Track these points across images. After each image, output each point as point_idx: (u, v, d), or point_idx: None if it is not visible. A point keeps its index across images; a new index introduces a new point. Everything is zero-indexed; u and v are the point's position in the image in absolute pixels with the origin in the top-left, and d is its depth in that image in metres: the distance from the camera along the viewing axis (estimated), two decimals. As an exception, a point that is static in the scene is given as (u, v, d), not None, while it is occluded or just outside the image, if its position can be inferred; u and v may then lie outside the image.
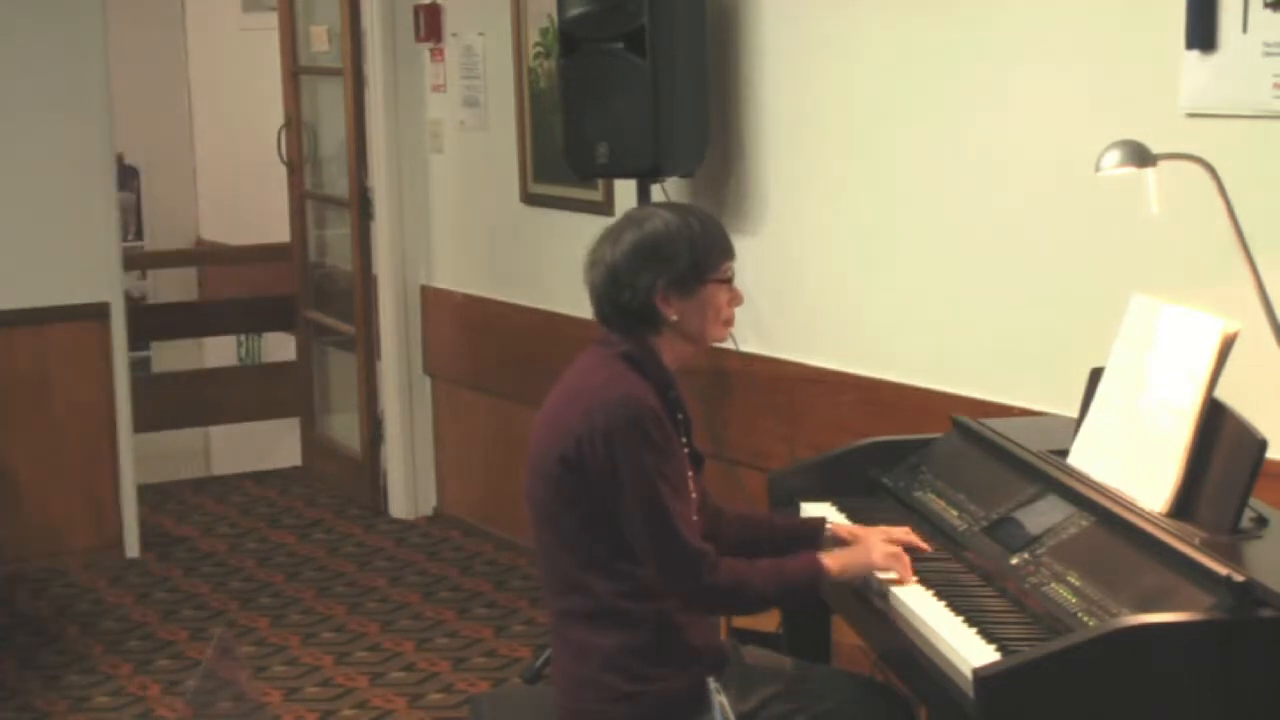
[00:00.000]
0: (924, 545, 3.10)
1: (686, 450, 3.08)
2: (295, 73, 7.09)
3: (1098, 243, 3.82)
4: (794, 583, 3.01)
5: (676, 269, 3.02)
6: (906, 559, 2.99)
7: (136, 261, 8.62)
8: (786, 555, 3.09)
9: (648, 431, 2.92)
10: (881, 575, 2.97)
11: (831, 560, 3.01)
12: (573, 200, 5.59)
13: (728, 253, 3.09)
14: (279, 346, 8.21)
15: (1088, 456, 3.08)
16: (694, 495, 3.06)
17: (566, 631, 3.05)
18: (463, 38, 6.16)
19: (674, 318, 3.04)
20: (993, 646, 2.64)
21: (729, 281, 3.09)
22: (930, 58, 4.24)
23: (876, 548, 3.01)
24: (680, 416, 3.08)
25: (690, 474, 3.07)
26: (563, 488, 2.98)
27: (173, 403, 7.53)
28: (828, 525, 3.23)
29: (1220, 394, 2.83)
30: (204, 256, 9.03)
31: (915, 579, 2.94)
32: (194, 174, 9.24)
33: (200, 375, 8.16)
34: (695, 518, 3.04)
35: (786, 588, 3.02)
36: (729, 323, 3.13)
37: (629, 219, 3.11)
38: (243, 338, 8.83)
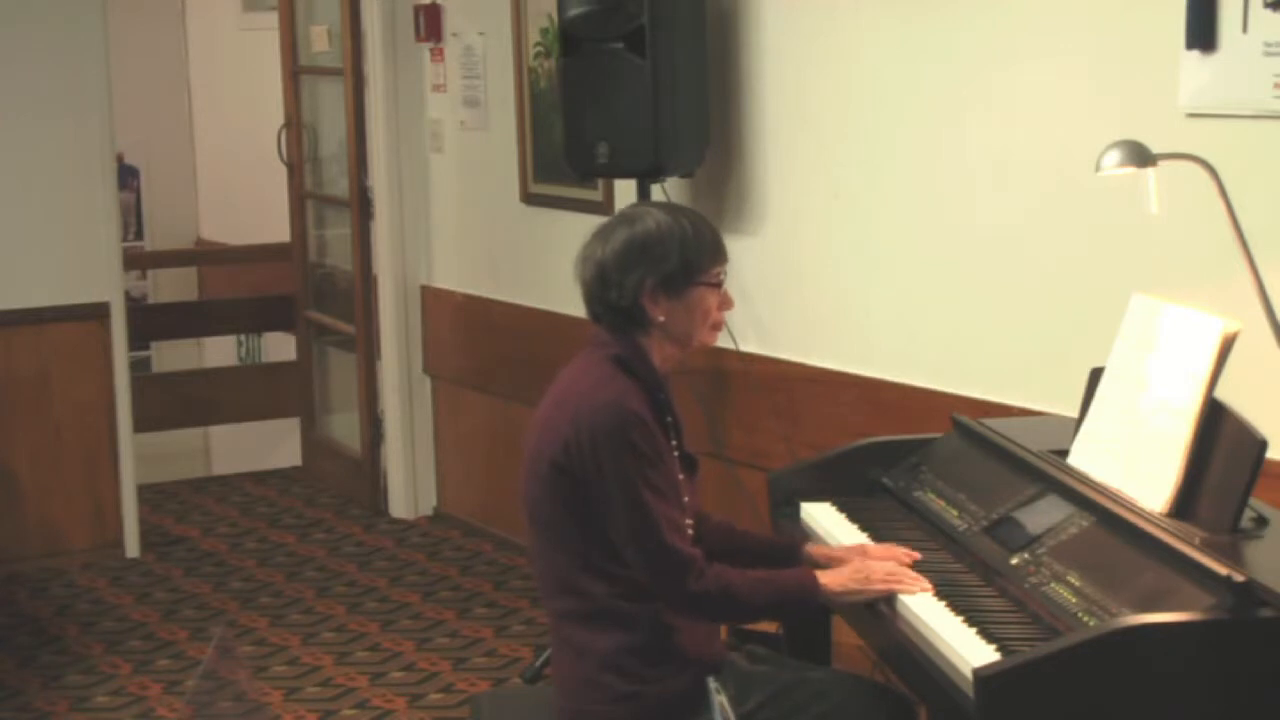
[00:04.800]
0: (911, 555, 3.07)
1: (676, 454, 3.08)
2: (295, 73, 7.08)
3: (1098, 243, 3.82)
4: (786, 595, 3.01)
5: (666, 269, 3.01)
6: (908, 573, 2.94)
7: (136, 261, 8.61)
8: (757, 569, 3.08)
9: (633, 438, 2.92)
10: (902, 598, 2.90)
11: (829, 579, 2.99)
12: (573, 200, 5.59)
13: (719, 257, 3.08)
14: (279, 346, 8.21)
15: (1088, 456, 3.08)
16: (686, 500, 3.06)
17: (565, 632, 3.05)
18: (463, 38, 6.16)
19: (661, 318, 3.03)
20: (993, 646, 2.64)
21: (719, 286, 3.08)
22: (930, 58, 4.24)
23: (876, 571, 2.97)
24: (669, 419, 3.08)
25: (682, 478, 3.07)
26: (555, 491, 2.98)
27: (173, 403, 7.53)
28: (806, 548, 3.22)
29: (1220, 394, 2.83)
30: (204, 256, 9.03)
31: (927, 587, 2.90)
32: (194, 174, 9.24)
33: (200, 375, 8.16)
34: (688, 521, 3.04)
35: (778, 599, 3.02)
36: (717, 327, 3.11)
37: (622, 217, 3.11)
38: (243, 338, 8.83)
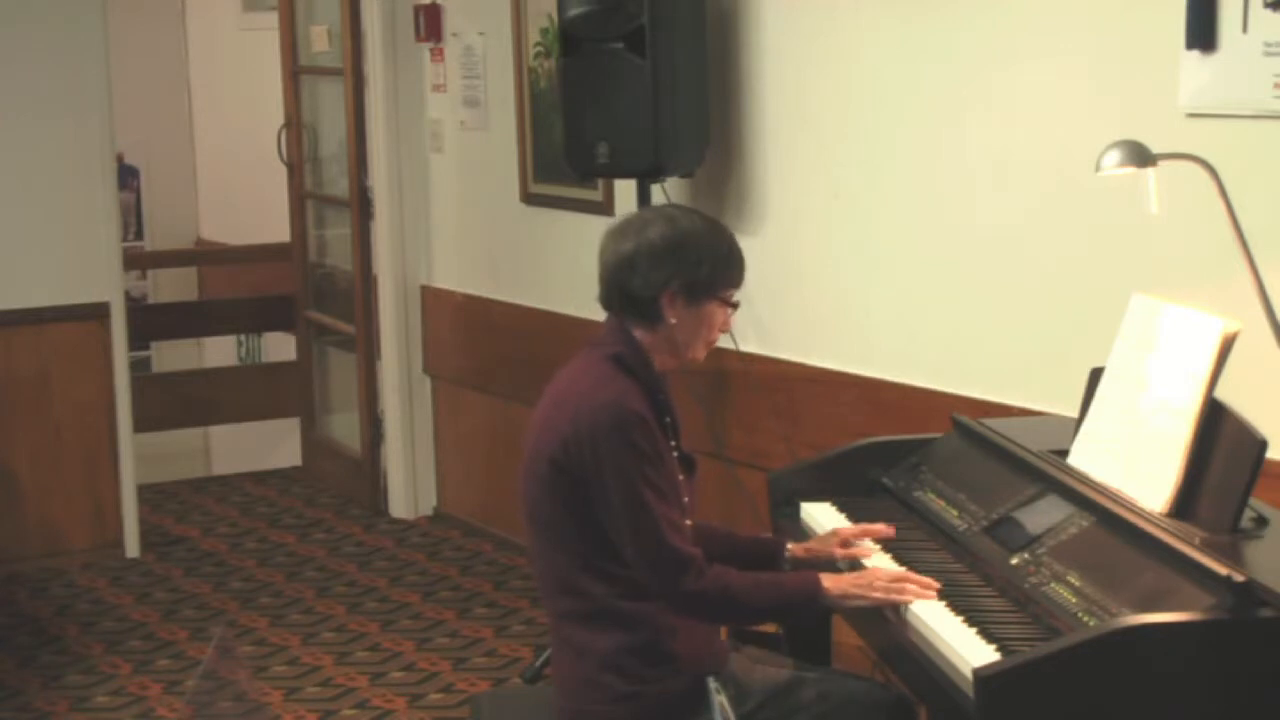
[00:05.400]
0: (885, 532, 3.15)
1: (675, 454, 3.08)
2: (295, 73, 7.08)
3: (1098, 243, 3.82)
4: (788, 598, 3.01)
5: (694, 274, 3.02)
6: (913, 582, 2.93)
7: (136, 261, 8.61)
8: (748, 570, 3.09)
9: (633, 436, 2.92)
10: (910, 605, 2.88)
11: (832, 583, 2.98)
12: (573, 200, 5.59)
13: (739, 280, 3.11)
14: (279, 346, 8.21)
15: (1088, 456, 3.08)
16: (685, 499, 3.06)
17: (565, 632, 3.05)
18: (463, 38, 6.16)
19: (672, 321, 3.04)
20: (993, 646, 2.64)
21: (733, 307, 3.10)
22: (930, 58, 4.24)
23: (881, 577, 2.96)
24: (668, 419, 3.08)
25: (681, 478, 3.07)
26: (554, 491, 2.98)
27: (173, 403, 7.53)
28: (788, 546, 3.24)
29: (1220, 394, 2.83)
30: (204, 256, 9.03)
31: (935, 595, 2.89)
32: (194, 174, 9.24)
33: (200, 375, 8.16)
34: (688, 522, 3.04)
35: (780, 602, 3.02)
36: (710, 345, 3.14)
37: (660, 214, 3.11)
38: (243, 338, 8.83)
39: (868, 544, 3.15)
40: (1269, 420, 2.81)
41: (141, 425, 6.44)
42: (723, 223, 3.21)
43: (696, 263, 3.02)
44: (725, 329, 3.13)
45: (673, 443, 3.08)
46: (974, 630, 2.71)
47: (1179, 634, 2.45)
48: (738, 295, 3.12)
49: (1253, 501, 2.78)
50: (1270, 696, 2.47)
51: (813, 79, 4.61)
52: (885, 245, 4.44)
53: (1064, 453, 3.15)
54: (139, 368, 7.29)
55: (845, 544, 3.16)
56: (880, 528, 3.18)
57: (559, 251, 5.63)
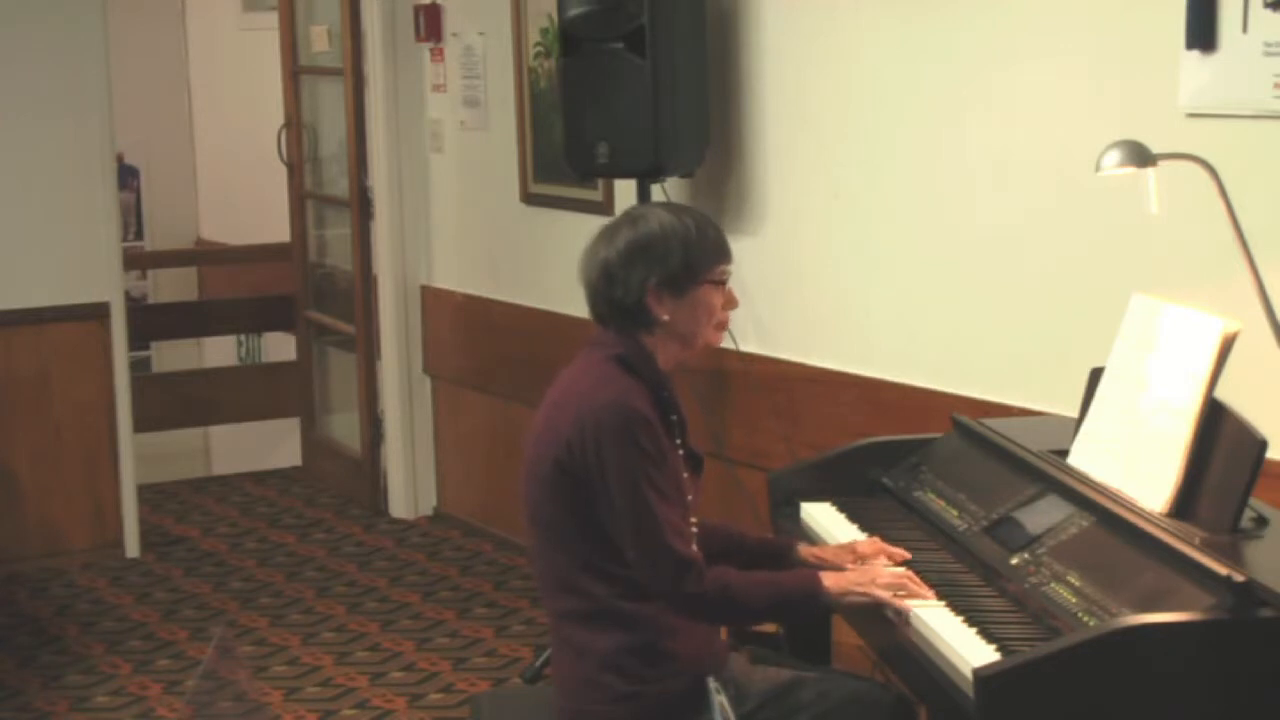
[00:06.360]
0: (898, 553, 3.09)
1: (681, 452, 3.08)
2: (295, 73, 7.09)
3: (1098, 243, 3.82)
4: (788, 597, 3.01)
5: (669, 268, 3.01)
6: (912, 581, 2.93)
7: (136, 261, 8.61)
8: (757, 571, 3.08)
9: (636, 436, 2.91)
10: (911, 605, 2.87)
11: (832, 581, 2.98)
12: (573, 200, 5.59)
13: (723, 256, 3.08)
14: (279, 346, 8.21)
15: (1088, 456, 3.08)
16: (690, 498, 3.06)
17: (565, 632, 3.05)
18: (463, 38, 6.16)
19: (665, 317, 3.03)
20: (993, 646, 2.64)
21: (723, 284, 3.08)
22: (930, 58, 4.24)
23: (881, 576, 2.96)
24: (674, 418, 3.07)
25: (687, 476, 3.07)
26: (557, 491, 2.98)
27: (173, 403, 7.53)
28: (799, 548, 3.22)
29: (1220, 394, 2.83)
30: (204, 256, 9.03)
31: (933, 596, 2.89)
32: (194, 174, 9.24)
33: (200, 375, 8.16)
34: (692, 520, 3.04)
35: (780, 601, 3.02)
36: (721, 327, 3.11)
37: (626, 217, 3.11)
38: (243, 338, 8.83)
39: (881, 561, 3.09)
40: (1269, 420, 2.81)
41: (141, 425, 6.44)
42: (692, 206, 3.18)
43: (666, 256, 3.01)
44: (731, 306, 3.10)
45: (678, 440, 3.08)
46: (974, 630, 2.71)
47: (1179, 634, 2.45)
48: (727, 271, 3.07)
49: (1253, 501, 2.78)
50: (1270, 696, 2.47)
51: (813, 79, 4.61)
52: (885, 245, 4.44)
53: (1064, 453, 3.15)
54: (139, 368, 7.29)
55: (860, 559, 3.11)
56: (899, 552, 3.12)
57: (559, 251, 5.63)
